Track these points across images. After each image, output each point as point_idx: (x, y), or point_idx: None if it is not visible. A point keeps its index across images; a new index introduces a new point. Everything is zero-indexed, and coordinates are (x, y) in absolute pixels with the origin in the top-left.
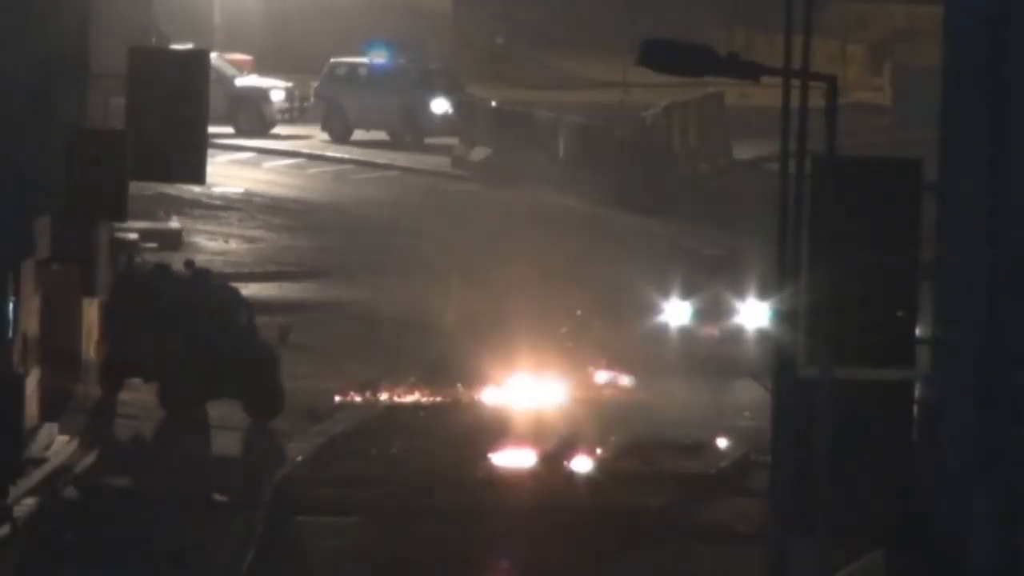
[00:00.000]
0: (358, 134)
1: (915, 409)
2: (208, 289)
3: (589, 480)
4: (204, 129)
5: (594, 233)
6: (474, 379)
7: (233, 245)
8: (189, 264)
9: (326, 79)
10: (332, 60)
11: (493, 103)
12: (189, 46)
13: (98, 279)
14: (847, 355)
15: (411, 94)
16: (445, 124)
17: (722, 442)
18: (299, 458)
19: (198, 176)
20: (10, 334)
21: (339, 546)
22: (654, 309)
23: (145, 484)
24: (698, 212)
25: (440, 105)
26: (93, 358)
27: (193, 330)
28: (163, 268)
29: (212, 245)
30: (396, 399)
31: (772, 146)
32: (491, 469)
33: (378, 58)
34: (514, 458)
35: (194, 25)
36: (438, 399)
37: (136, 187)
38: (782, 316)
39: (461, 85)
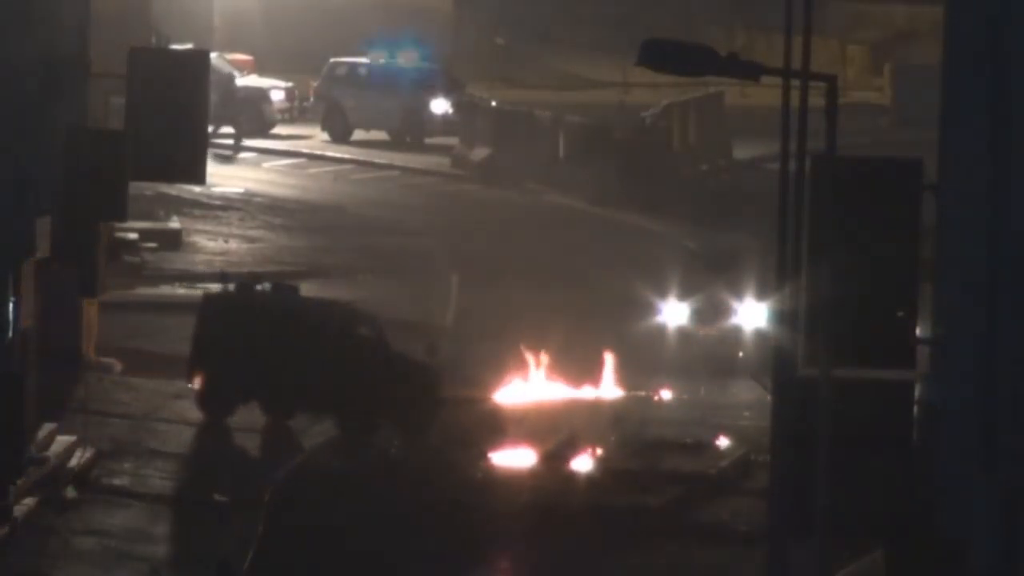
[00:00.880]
0: (358, 134)
1: (915, 409)
2: (313, 305)
3: (589, 480)
4: (204, 129)
5: (594, 233)
6: (474, 378)
7: (233, 245)
8: (259, 279)
9: (326, 79)
10: (332, 60)
11: (493, 103)
12: (189, 46)
13: (98, 279)
14: (847, 355)
15: (411, 94)
16: (445, 124)
17: (722, 442)
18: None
19: (198, 176)
20: (10, 334)
21: (339, 546)
22: (652, 309)
23: (145, 484)
24: (698, 212)
25: (440, 105)
26: (92, 358)
27: (320, 351)
28: (248, 287)
29: (212, 245)
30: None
31: (772, 146)
32: (491, 468)
33: (379, 59)
34: (515, 457)
35: (194, 25)
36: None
37: (136, 187)
38: (781, 316)
39: (461, 85)
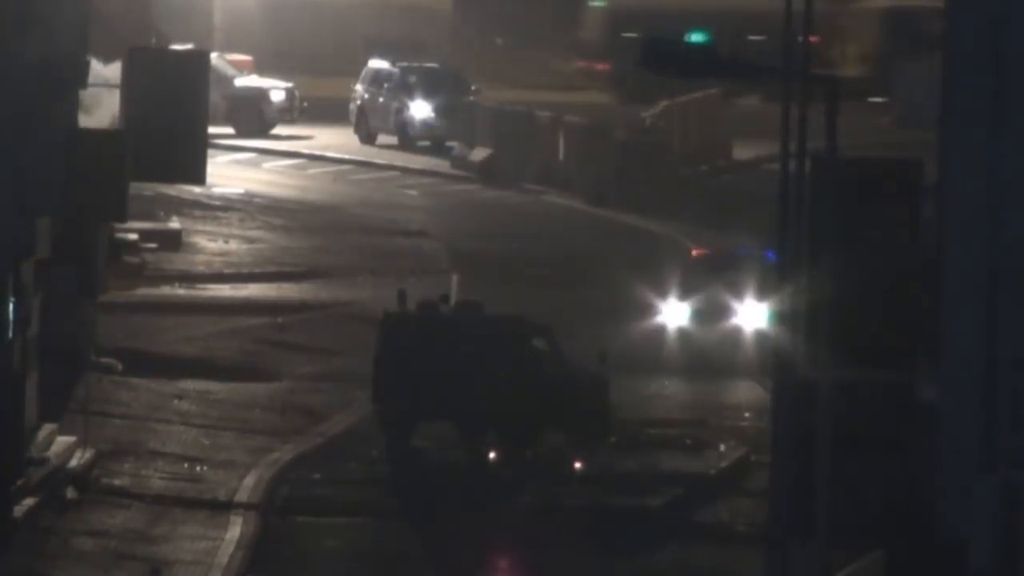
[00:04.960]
0: (382, 139)
1: (915, 409)
2: (491, 322)
3: (589, 480)
4: (204, 129)
5: (593, 233)
6: None
7: (233, 246)
8: (444, 299)
9: (361, 81)
10: (370, 62)
11: (491, 104)
12: (189, 46)
13: (98, 279)
14: (847, 355)
15: (402, 97)
16: (425, 129)
17: (722, 443)
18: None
19: (198, 176)
20: (10, 334)
21: (339, 546)
22: (652, 310)
23: (145, 484)
24: (698, 212)
25: (420, 109)
26: (92, 358)
27: (499, 368)
28: (432, 306)
29: (212, 246)
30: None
31: (772, 146)
32: (490, 467)
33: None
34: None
35: (194, 25)
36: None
37: (136, 187)
38: (782, 317)
39: (466, 85)
